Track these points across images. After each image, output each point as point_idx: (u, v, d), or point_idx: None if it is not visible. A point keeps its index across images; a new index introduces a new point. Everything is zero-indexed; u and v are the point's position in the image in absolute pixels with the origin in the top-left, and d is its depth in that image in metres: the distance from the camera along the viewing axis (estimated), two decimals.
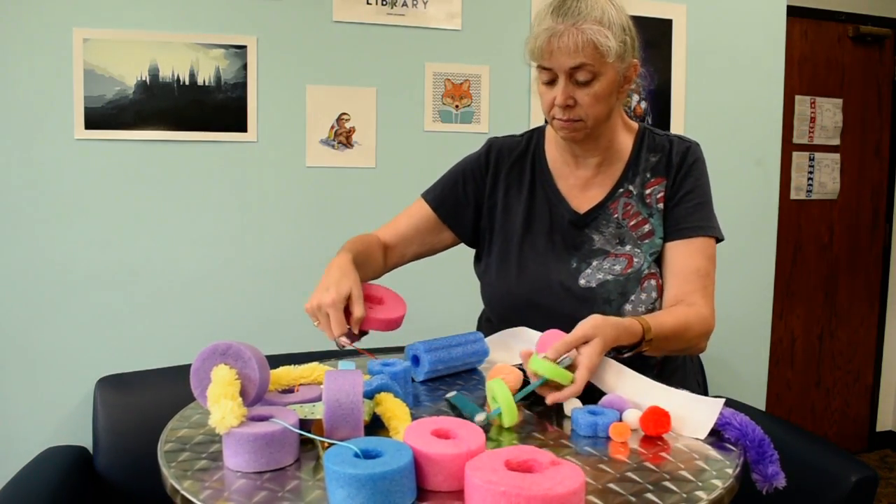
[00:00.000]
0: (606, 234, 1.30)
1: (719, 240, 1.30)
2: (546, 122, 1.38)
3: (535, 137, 1.41)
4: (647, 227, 1.29)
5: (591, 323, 1.02)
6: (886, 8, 3.40)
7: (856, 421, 3.59)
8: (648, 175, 1.31)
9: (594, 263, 1.28)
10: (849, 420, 3.58)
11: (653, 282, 1.25)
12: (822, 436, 3.38)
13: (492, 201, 1.38)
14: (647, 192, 1.30)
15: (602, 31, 1.14)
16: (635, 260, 1.26)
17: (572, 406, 0.99)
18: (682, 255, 1.26)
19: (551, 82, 1.20)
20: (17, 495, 1.66)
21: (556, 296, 1.26)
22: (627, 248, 1.28)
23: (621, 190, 1.31)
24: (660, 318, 1.14)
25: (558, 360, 0.99)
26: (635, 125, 1.37)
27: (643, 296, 1.24)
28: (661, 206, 1.29)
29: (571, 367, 0.99)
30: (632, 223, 1.29)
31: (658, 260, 1.28)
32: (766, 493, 0.91)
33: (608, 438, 0.92)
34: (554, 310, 1.25)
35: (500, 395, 0.93)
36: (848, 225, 3.46)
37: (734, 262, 2.73)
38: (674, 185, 1.29)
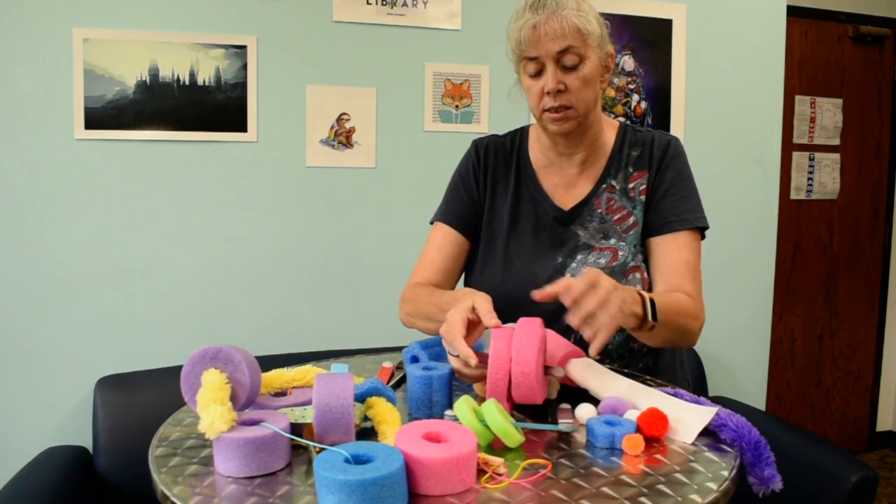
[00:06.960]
0: (590, 229, 1.31)
1: (706, 228, 1.31)
2: (524, 127, 1.42)
3: (518, 137, 1.42)
4: (631, 220, 1.30)
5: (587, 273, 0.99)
6: (886, 8, 3.39)
7: (856, 421, 3.59)
8: (631, 169, 1.33)
9: (579, 258, 1.29)
10: (849, 420, 3.57)
11: (637, 275, 1.27)
12: (822, 436, 3.37)
13: (485, 198, 1.39)
14: (630, 185, 1.32)
15: (581, 16, 1.20)
16: (620, 253, 1.28)
17: (587, 415, 0.96)
18: (669, 249, 1.27)
19: (538, 73, 1.22)
20: (17, 495, 1.66)
21: None
22: (612, 241, 1.30)
23: (604, 185, 1.33)
24: (654, 293, 1.14)
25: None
26: (616, 123, 1.38)
27: None
28: (643, 198, 1.31)
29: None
30: (615, 217, 1.31)
31: (644, 253, 1.30)
32: (762, 496, 0.90)
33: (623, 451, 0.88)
34: (540, 306, 1.23)
35: (492, 422, 0.85)
36: (848, 225, 3.45)
37: (734, 262, 2.72)
38: (656, 179, 1.31)
